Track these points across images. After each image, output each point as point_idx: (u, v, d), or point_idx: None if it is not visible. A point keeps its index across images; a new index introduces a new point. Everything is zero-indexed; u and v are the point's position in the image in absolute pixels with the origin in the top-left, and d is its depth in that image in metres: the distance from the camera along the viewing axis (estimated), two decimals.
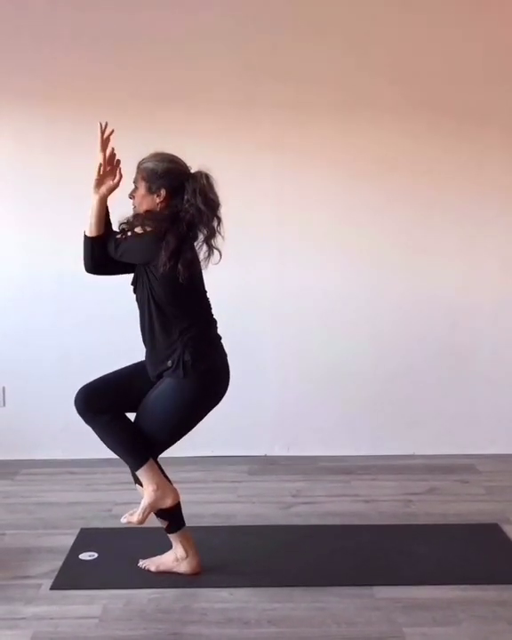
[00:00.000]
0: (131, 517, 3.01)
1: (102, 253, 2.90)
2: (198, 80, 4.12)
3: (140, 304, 2.95)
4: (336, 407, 4.40)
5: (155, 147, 3.99)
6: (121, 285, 4.23)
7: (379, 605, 2.85)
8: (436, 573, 3.08)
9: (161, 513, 3.00)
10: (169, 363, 2.88)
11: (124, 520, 3.03)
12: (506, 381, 4.42)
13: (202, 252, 2.88)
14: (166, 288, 2.83)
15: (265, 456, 4.38)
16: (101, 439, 3.04)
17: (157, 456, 3.04)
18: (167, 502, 2.98)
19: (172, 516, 3.02)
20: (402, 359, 4.40)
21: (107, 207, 2.90)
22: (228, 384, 3.03)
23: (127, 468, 4.22)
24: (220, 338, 3.03)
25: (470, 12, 4.16)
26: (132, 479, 4.07)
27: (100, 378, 3.06)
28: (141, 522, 2.98)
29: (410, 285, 4.35)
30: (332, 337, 4.38)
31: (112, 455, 4.34)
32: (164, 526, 3.04)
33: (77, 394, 3.03)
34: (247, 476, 4.11)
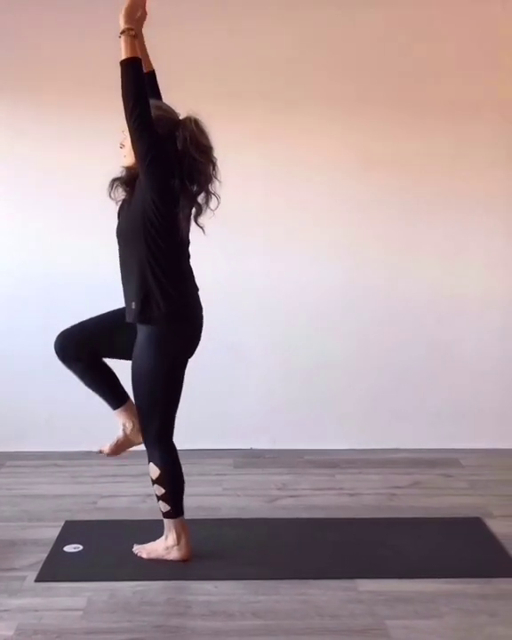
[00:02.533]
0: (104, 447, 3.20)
1: (141, 78, 2.81)
2: (187, 72, 4.08)
3: (123, 236, 2.95)
4: (321, 401, 4.41)
5: None
6: (108, 281, 4.28)
7: (362, 598, 2.87)
8: (419, 567, 3.10)
9: (166, 497, 3.03)
10: (133, 305, 2.91)
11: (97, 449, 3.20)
12: (489, 377, 4.44)
13: (199, 198, 2.87)
14: (163, 223, 2.82)
15: (250, 449, 4.39)
16: (81, 381, 3.13)
17: (172, 430, 3.07)
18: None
19: (176, 503, 3.05)
20: (387, 354, 4.42)
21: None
22: (200, 326, 3.03)
23: (113, 461, 4.25)
24: (197, 289, 3.04)
25: (449, 11, 4.17)
26: (117, 472, 4.11)
27: (79, 324, 3.11)
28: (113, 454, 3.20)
29: (395, 281, 4.36)
30: (318, 331, 4.39)
31: (97, 448, 4.39)
32: (165, 511, 3.06)
33: (55, 340, 3.09)
34: (232, 469, 4.12)
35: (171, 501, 3.04)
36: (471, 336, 4.42)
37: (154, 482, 3.05)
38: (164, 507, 3.06)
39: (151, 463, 3.06)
